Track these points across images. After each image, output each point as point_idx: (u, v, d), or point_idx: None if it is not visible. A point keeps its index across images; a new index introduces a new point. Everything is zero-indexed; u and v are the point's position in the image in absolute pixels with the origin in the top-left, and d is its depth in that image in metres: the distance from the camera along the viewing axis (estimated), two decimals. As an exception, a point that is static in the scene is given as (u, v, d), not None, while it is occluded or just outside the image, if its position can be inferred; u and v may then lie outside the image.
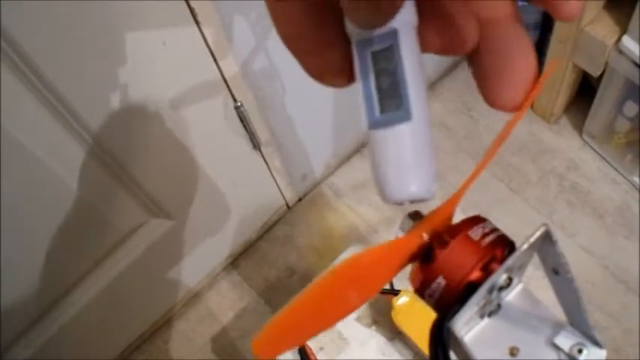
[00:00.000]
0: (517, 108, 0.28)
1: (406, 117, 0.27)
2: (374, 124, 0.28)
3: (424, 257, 0.31)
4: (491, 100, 0.29)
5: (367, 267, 0.31)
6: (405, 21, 0.27)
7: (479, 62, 0.28)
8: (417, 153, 0.27)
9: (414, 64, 0.27)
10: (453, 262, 0.31)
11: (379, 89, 0.28)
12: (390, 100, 0.28)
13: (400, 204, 0.28)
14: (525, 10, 1.62)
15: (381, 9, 0.24)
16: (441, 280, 0.31)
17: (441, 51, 0.28)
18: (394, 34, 0.27)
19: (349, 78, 0.29)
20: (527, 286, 0.35)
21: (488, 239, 0.31)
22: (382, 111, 0.28)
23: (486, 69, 0.28)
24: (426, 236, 0.33)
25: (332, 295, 0.32)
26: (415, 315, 0.82)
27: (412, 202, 0.28)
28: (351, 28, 0.28)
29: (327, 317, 0.32)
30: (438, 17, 0.27)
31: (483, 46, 0.28)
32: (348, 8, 0.25)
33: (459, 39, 0.27)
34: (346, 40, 0.28)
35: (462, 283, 0.31)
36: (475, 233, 0.32)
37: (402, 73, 0.27)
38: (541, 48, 1.70)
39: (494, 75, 0.28)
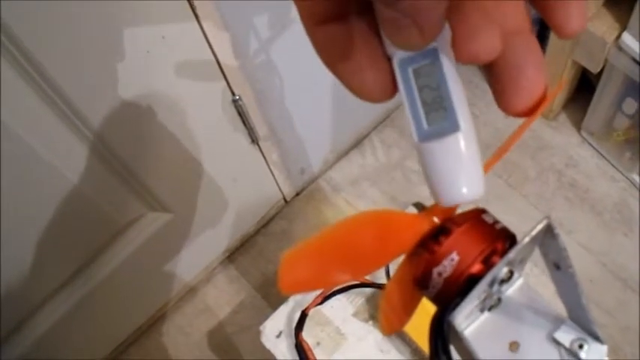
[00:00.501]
0: (526, 115, 0.30)
1: (454, 128, 0.29)
2: (423, 137, 0.29)
3: (437, 235, 0.31)
4: (503, 107, 0.30)
5: (389, 223, 0.33)
6: (442, 38, 0.28)
7: (494, 71, 0.29)
8: (467, 160, 0.29)
9: (454, 76, 0.29)
10: (470, 236, 0.31)
11: (424, 103, 0.29)
12: (436, 113, 0.29)
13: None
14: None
15: (424, 35, 0.25)
16: (454, 257, 0.31)
17: (468, 60, 0.28)
18: (434, 51, 0.28)
19: (391, 93, 0.30)
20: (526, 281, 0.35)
21: (499, 225, 0.32)
22: (429, 124, 0.29)
23: (500, 78, 0.29)
24: (436, 220, 0.33)
25: (354, 234, 0.33)
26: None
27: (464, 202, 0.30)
28: (391, 48, 0.29)
29: (348, 258, 0.33)
30: (465, 28, 0.27)
31: (500, 56, 0.28)
32: (390, 34, 0.26)
33: (485, 48, 0.27)
34: (387, 58, 0.29)
35: (473, 265, 0.31)
36: (487, 218, 0.32)
37: (445, 87, 0.29)
38: (540, 44, 1.69)
39: (508, 85, 0.29)
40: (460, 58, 0.28)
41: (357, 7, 0.29)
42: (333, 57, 0.29)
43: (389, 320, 0.40)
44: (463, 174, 0.29)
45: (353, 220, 0.33)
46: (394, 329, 0.41)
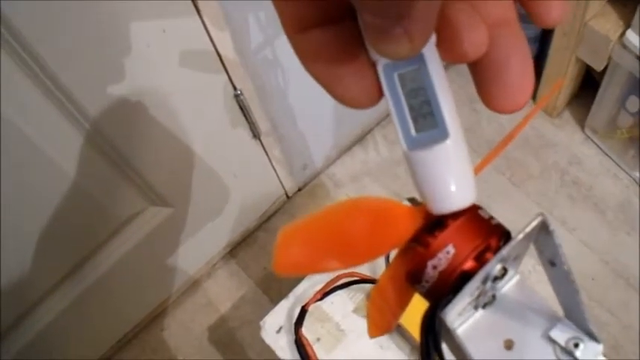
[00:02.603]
0: (512, 111, 0.29)
1: (443, 135, 0.28)
2: (412, 145, 0.29)
3: (432, 228, 0.31)
4: (488, 104, 0.29)
5: (385, 213, 0.32)
6: (429, 42, 0.27)
7: (477, 66, 0.29)
8: (458, 167, 0.29)
9: (441, 80, 0.28)
10: (466, 229, 0.31)
11: (411, 109, 0.29)
12: (424, 120, 0.28)
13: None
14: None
15: (414, 44, 0.24)
16: (450, 249, 0.30)
17: (455, 60, 0.27)
18: (420, 55, 0.28)
19: (376, 99, 0.29)
20: (527, 279, 0.35)
21: (494, 221, 0.32)
22: (418, 131, 0.29)
23: (484, 74, 0.28)
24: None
25: (348, 220, 0.32)
26: (412, 307, 0.81)
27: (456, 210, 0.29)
28: (375, 54, 0.28)
29: (340, 246, 0.32)
30: (450, 27, 0.27)
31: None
32: (377, 44, 0.25)
33: (472, 46, 0.27)
34: (370, 64, 0.29)
35: (466, 261, 0.30)
36: (483, 214, 0.32)
37: (433, 92, 0.28)
38: (544, 41, 1.69)
39: (492, 81, 0.28)
40: (447, 59, 0.28)
41: (340, 13, 0.28)
42: (316, 64, 0.29)
43: (384, 315, 0.39)
44: (454, 181, 0.29)
45: (349, 205, 0.32)
46: (385, 328, 0.40)
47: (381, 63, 0.28)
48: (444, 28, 0.27)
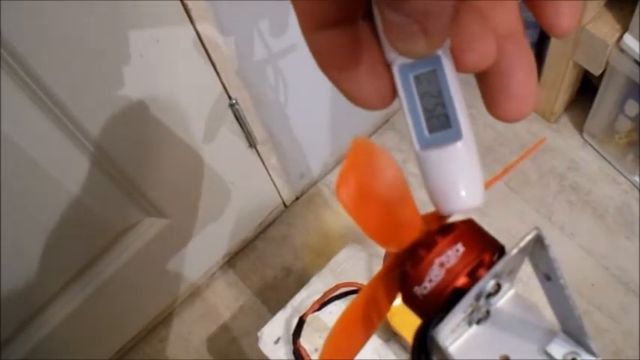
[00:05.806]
0: (516, 120, 0.29)
1: (457, 136, 0.29)
2: (425, 145, 0.29)
3: (442, 230, 0.31)
4: (493, 112, 0.30)
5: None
6: (444, 45, 0.28)
7: (484, 76, 0.29)
8: (468, 168, 0.29)
9: (455, 83, 0.28)
10: (474, 232, 0.31)
11: (425, 110, 0.29)
12: (438, 121, 0.29)
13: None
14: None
15: (431, 42, 0.25)
16: (459, 247, 0.30)
17: (464, 69, 0.28)
18: (436, 58, 0.28)
19: (389, 101, 0.30)
20: (524, 288, 0.34)
21: (488, 235, 0.32)
22: (431, 131, 0.29)
23: (491, 84, 0.29)
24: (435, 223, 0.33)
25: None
26: (411, 317, 0.81)
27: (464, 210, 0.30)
28: (391, 54, 0.28)
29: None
30: (461, 37, 0.27)
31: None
32: (395, 41, 0.26)
33: (481, 57, 0.27)
34: (385, 65, 0.29)
35: (458, 278, 0.30)
36: (476, 227, 0.32)
37: (448, 94, 0.28)
38: (541, 46, 1.69)
39: (498, 90, 0.29)
40: (457, 68, 0.28)
41: (357, 13, 0.28)
42: (331, 63, 0.29)
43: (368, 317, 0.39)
44: (464, 182, 0.29)
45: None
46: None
47: (397, 64, 0.29)
48: (455, 37, 0.27)
